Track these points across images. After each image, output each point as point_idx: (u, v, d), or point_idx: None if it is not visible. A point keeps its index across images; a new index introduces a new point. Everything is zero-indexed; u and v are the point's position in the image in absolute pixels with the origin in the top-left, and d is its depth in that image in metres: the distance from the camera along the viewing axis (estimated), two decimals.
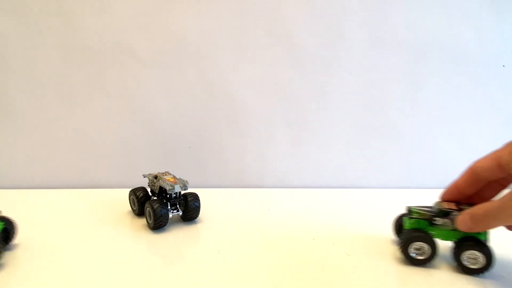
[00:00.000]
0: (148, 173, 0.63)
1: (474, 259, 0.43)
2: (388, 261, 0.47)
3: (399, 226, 0.51)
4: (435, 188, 0.51)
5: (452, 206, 0.45)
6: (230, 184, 0.78)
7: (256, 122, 0.77)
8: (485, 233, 0.44)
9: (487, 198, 0.45)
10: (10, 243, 0.49)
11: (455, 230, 0.44)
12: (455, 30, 0.75)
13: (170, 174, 0.61)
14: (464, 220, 0.42)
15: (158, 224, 0.55)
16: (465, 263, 0.44)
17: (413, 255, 0.45)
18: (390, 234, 0.53)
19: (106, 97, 0.74)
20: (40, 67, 0.72)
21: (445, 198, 0.48)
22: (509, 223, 0.39)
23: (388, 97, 0.78)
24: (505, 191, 0.41)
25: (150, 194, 0.62)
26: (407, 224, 0.47)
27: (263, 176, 0.79)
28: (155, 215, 0.54)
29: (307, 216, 0.62)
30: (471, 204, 0.44)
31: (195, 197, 0.59)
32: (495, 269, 0.44)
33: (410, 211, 0.47)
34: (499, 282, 0.43)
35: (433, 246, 0.45)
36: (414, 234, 0.45)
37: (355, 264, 0.47)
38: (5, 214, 0.49)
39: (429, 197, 0.51)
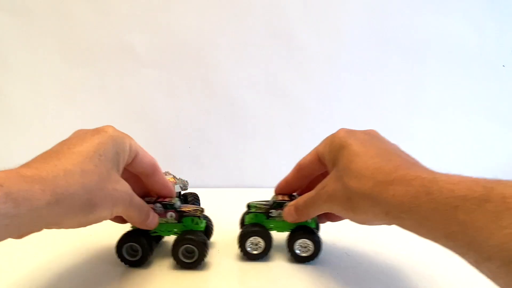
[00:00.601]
0: None
1: (305, 247, 0.45)
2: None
3: (242, 222, 0.51)
4: None
5: (286, 198, 0.47)
6: (230, 184, 0.78)
7: (256, 122, 0.77)
8: (313, 222, 0.46)
9: (294, 186, 0.49)
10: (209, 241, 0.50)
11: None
12: (455, 30, 0.75)
13: (170, 174, 0.61)
14: (289, 212, 0.45)
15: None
16: (297, 251, 0.45)
17: (249, 249, 0.46)
18: None
19: (105, 97, 0.74)
20: (40, 67, 0.72)
21: (278, 192, 0.49)
22: (325, 210, 0.41)
23: (388, 97, 0.78)
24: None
25: None
26: (246, 219, 0.48)
27: (263, 176, 0.79)
28: None
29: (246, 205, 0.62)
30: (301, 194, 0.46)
31: (195, 197, 0.59)
32: (325, 255, 0.46)
33: (249, 206, 0.48)
34: (329, 267, 0.45)
35: (268, 240, 0.46)
36: (249, 229, 0.46)
37: (355, 265, 0.47)
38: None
39: None
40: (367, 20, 0.74)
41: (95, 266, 0.45)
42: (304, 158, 0.47)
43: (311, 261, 0.46)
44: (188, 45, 0.73)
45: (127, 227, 0.46)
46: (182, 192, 0.59)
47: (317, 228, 0.49)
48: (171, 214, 0.45)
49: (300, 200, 0.44)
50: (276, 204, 0.47)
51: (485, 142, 0.79)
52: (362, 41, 0.75)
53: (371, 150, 0.38)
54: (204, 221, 0.47)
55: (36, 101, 0.74)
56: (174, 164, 0.77)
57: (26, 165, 0.32)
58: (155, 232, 0.45)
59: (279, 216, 0.46)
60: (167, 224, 0.45)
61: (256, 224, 0.47)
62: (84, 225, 0.35)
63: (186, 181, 0.58)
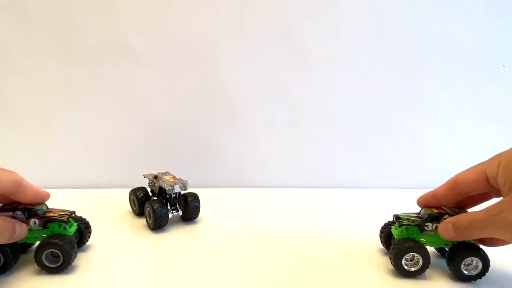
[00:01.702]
0: (148, 173, 0.63)
1: (471, 265, 0.43)
2: (379, 270, 0.45)
3: (386, 235, 0.49)
4: (434, 188, 0.51)
5: (441, 210, 0.44)
6: (230, 184, 0.78)
7: (256, 122, 0.77)
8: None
9: (467, 207, 0.45)
10: (85, 244, 0.50)
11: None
12: (455, 30, 0.75)
13: (170, 174, 0.61)
14: (446, 229, 0.41)
15: (158, 224, 0.55)
16: (463, 270, 0.43)
17: (406, 266, 0.43)
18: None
19: (106, 97, 0.74)
20: (40, 67, 0.72)
21: (423, 205, 0.46)
22: (494, 235, 0.38)
23: (388, 97, 0.78)
24: (488, 203, 0.40)
25: (150, 194, 0.62)
26: (396, 233, 0.45)
27: (263, 176, 0.79)
28: (155, 215, 0.54)
29: (307, 216, 0.61)
30: (454, 208, 0.44)
31: (195, 197, 0.59)
32: (489, 274, 0.43)
33: (398, 218, 0.46)
34: (496, 286, 0.42)
35: (426, 256, 0.43)
36: (406, 244, 0.43)
37: (355, 265, 0.47)
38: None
39: None
40: (367, 20, 0.74)
41: None
42: (464, 174, 0.43)
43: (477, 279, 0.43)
44: (188, 45, 0.73)
45: None
46: (182, 192, 0.59)
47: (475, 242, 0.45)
48: (34, 221, 0.44)
49: (462, 219, 0.40)
50: (432, 218, 0.43)
51: (485, 142, 0.79)
52: (362, 41, 0.75)
53: None
54: (75, 224, 0.46)
55: (36, 101, 0.74)
56: (174, 164, 0.77)
57: None
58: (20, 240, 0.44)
59: (435, 230, 0.43)
60: (32, 231, 0.44)
61: (409, 239, 0.44)
62: None
63: (186, 181, 0.58)
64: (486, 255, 0.42)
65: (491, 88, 0.78)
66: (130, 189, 0.62)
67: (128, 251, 0.50)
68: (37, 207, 0.44)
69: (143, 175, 0.62)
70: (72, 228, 0.45)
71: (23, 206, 0.44)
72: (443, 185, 0.44)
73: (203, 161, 0.78)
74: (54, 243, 0.42)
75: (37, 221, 0.44)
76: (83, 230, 0.49)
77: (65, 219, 0.44)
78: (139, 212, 0.60)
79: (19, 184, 0.42)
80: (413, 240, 0.43)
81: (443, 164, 0.79)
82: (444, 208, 0.45)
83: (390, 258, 0.44)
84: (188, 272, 0.44)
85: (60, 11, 0.70)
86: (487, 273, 0.42)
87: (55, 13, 0.70)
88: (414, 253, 0.43)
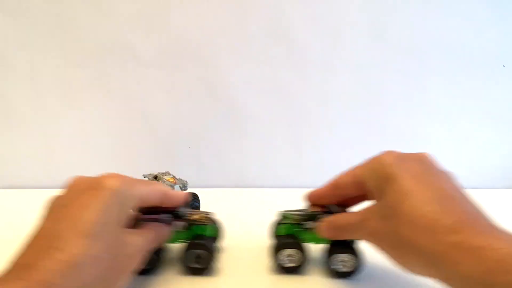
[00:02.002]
0: (148, 173, 0.63)
1: (344, 261, 0.43)
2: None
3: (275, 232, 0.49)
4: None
5: (318, 209, 0.44)
6: (230, 184, 0.78)
7: (256, 122, 0.77)
8: None
9: (350, 205, 0.45)
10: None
11: None
12: (455, 30, 0.75)
13: (170, 174, 0.61)
14: (324, 228, 0.41)
15: None
16: (338, 266, 0.43)
17: (283, 262, 0.44)
18: None
19: (106, 97, 0.74)
20: (40, 67, 0.72)
21: (312, 202, 0.46)
22: (361, 239, 0.38)
23: (388, 97, 0.78)
24: (366, 203, 0.40)
25: None
26: (280, 230, 0.46)
27: (263, 176, 0.79)
28: None
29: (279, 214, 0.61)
30: (337, 206, 0.44)
31: (195, 197, 0.59)
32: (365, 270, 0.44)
33: (283, 216, 0.46)
34: (371, 283, 0.43)
35: (303, 252, 0.43)
36: (284, 240, 0.44)
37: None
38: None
39: None
40: (367, 20, 0.74)
41: None
42: (341, 176, 0.43)
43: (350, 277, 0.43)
44: (188, 45, 0.73)
45: None
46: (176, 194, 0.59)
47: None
48: (178, 223, 0.44)
49: (338, 220, 0.40)
50: (310, 216, 0.44)
51: (485, 142, 0.79)
52: (362, 41, 0.75)
53: (426, 191, 0.32)
54: (215, 226, 0.47)
55: (36, 102, 0.74)
56: (174, 164, 0.77)
57: (23, 261, 0.27)
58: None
59: (315, 227, 0.44)
60: (176, 232, 0.44)
61: (290, 235, 0.45)
62: None
63: (186, 181, 0.58)
64: (360, 252, 0.42)
65: (491, 88, 0.78)
66: None
67: None
68: (180, 209, 0.44)
69: (143, 175, 0.62)
70: (213, 230, 0.46)
71: (166, 209, 0.43)
72: (326, 185, 0.44)
73: (203, 161, 0.78)
74: (201, 244, 0.42)
75: (180, 223, 0.44)
76: (220, 231, 0.49)
77: (207, 221, 0.44)
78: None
79: (163, 199, 0.40)
80: (292, 236, 0.44)
81: (443, 164, 0.79)
82: (326, 206, 0.45)
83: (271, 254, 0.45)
84: (197, 278, 0.44)
85: (61, 11, 0.70)
86: (361, 270, 0.43)
87: (55, 13, 0.70)
88: (291, 249, 0.43)
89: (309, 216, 0.44)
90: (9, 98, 0.73)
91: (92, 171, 0.77)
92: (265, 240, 0.49)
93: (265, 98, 0.76)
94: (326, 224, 0.41)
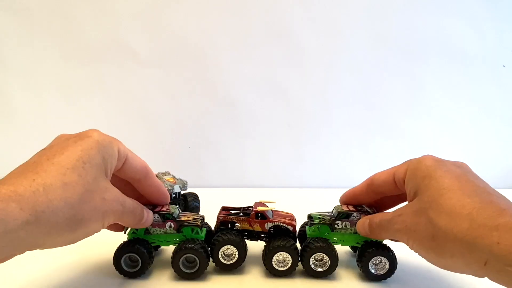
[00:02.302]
0: None
1: (379, 264, 0.42)
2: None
3: (302, 234, 0.48)
4: None
5: (352, 208, 0.44)
6: (230, 184, 0.78)
7: (256, 122, 0.77)
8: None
9: (386, 207, 0.45)
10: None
11: (356, 233, 0.43)
12: (455, 30, 0.75)
13: (170, 174, 0.61)
14: (363, 225, 0.41)
15: None
16: (371, 269, 0.42)
17: (313, 266, 0.43)
18: None
19: (105, 97, 0.74)
20: (40, 67, 0.72)
21: (343, 202, 0.46)
22: (399, 240, 0.37)
23: (388, 97, 0.78)
24: (401, 204, 0.40)
25: None
26: (309, 232, 0.45)
27: (263, 176, 0.79)
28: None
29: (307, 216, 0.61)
30: (371, 207, 0.44)
31: (195, 197, 0.59)
32: (397, 273, 0.43)
33: (311, 217, 0.45)
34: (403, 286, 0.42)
35: (334, 257, 0.42)
36: (316, 244, 0.42)
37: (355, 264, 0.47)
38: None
39: None
40: (367, 21, 0.74)
41: (91, 278, 0.43)
42: (378, 174, 0.43)
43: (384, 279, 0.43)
44: (188, 45, 0.73)
45: (124, 236, 0.44)
46: (182, 192, 0.59)
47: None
48: (170, 225, 0.43)
49: (376, 217, 0.40)
50: (342, 216, 0.43)
51: (485, 142, 0.79)
52: (362, 42, 0.75)
53: (467, 186, 0.33)
54: (205, 229, 0.45)
55: (36, 101, 0.74)
56: (174, 164, 0.77)
57: (2, 181, 0.29)
58: (153, 242, 0.44)
59: (345, 227, 0.43)
60: (166, 235, 0.43)
61: (320, 238, 0.43)
62: (72, 242, 0.33)
63: (186, 181, 0.58)
64: (394, 255, 0.42)
65: (491, 88, 0.78)
66: None
67: None
68: (172, 211, 0.43)
69: None
70: (203, 233, 0.44)
71: (159, 210, 0.43)
72: (362, 183, 0.44)
73: (203, 161, 0.78)
74: (191, 248, 0.41)
75: (172, 224, 0.43)
76: (210, 235, 0.47)
77: (199, 224, 0.43)
78: None
79: (147, 172, 0.41)
80: (323, 240, 0.43)
81: None
82: (362, 206, 0.45)
83: (299, 259, 0.43)
84: (188, 283, 0.44)
85: (60, 11, 0.70)
86: (394, 273, 0.42)
87: (55, 13, 0.70)
88: (322, 254, 0.42)
89: (339, 216, 0.43)
90: (9, 97, 0.73)
91: None
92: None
93: (265, 98, 0.76)
94: (367, 221, 0.41)
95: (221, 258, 0.43)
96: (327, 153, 0.79)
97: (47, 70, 0.73)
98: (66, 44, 0.72)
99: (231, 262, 0.43)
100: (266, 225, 0.44)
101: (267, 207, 0.46)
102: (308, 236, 0.45)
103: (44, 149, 0.35)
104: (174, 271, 0.42)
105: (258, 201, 0.47)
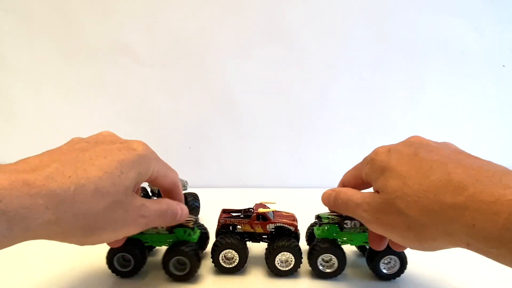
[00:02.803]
0: None
1: (389, 263, 0.42)
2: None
3: (310, 236, 0.49)
4: None
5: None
6: (230, 184, 0.78)
7: (256, 122, 0.77)
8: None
9: None
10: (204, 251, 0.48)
11: (365, 232, 0.43)
12: (455, 30, 0.75)
13: None
14: (328, 196, 0.41)
15: None
16: (382, 268, 0.42)
17: (321, 267, 0.43)
18: None
19: (106, 97, 0.74)
20: (40, 67, 0.72)
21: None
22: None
23: (388, 97, 0.78)
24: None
25: (150, 194, 0.62)
26: (318, 232, 0.45)
27: (263, 176, 0.79)
28: None
29: (307, 216, 0.61)
30: None
31: (195, 197, 0.59)
32: (406, 273, 0.43)
33: (319, 218, 0.45)
34: (413, 286, 0.42)
35: (342, 258, 0.43)
36: (322, 245, 0.42)
37: (358, 264, 0.47)
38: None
39: None
40: (367, 21, 0.74)
41: (84, 277, 0.43)
42: (345, 174, 0.43)
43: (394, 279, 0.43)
44: (188, 45, 0.73)
45: None
46: (182, 192, 0.59)
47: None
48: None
49: (342, 194, 0.39)
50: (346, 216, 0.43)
51: (485, 142, 0.79)
52: (362, 41, 0.75)
53: (422, 165, 0.32)
54: (198, 231, 0.45)
55: (36, 101, 0.74)
56: (174, 164, 0.76)
57: (39, 165, 0.28)
58: (146, 242, 0.43)
59: (354, 227, 0.43)
60: (159, 235, 0.43)
61: (328, 239, 0.43)
62: (85, 245, 0.32)
63: (186, 181, 0.58)
64: (404, 254, 0.42)
65: (491, 88, 0.78)
66: None
67: None
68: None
69: None
70: (196, 235, 0.44)
71: None
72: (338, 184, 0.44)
73: (203, 161, 0.78)
74: (182, 250, 0.41)
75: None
76: (204, 237, 0.47)
77: (191, 225, 0.42)
78: None
79: (174, 188, 0.41)
80: (331, 240, 0.43)
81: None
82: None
83: (308, 260, 0.43)
84: (182, 285, 0.44)
85: (61, 11, 0.70)
86: (404, 272, 0.42)
87: (55, 13, 0.70)
88: (330, 255, 0.42)
89: (347, 216, 0.43)
90: (9, 97, 0.73)
91: None
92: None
93: (265, 98, 0.76)
94: (333, 194, 0.40)
95: (221, 262, 0.43)
96: (327, 153, 0.79)
97: (47, 70, 0.73)
98: (66, 44, 0.72)
99: (232, 265, 0.43)
100: (267, 226, 0.44)
101: (268, 208, 0.46)
102: (316, 236, 0.45)
103: (87, 142, 0.34)
104: (165, 272, 0.42)
105: (258, 202, 0.47)
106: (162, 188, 0.41)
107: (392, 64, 0.76)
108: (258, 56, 0.74)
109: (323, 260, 0.43)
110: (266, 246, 0.44)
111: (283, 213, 0.47)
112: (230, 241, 0.43)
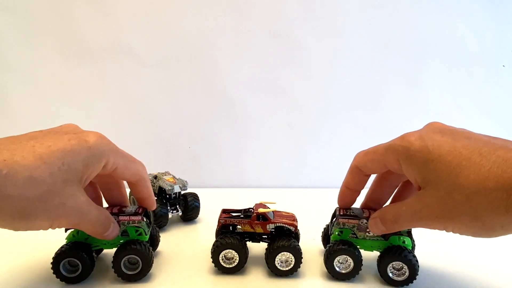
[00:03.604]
0: (148, 173, 0.62)
1: (399, 270, 0.41)
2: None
3: (325, 236, 0.49)
4: None
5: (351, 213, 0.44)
6: (230, 184, 0.78)
7: (256, 122, 0.77)
8: (409, 242, 0.42)
9: (383, 197, 0.44)
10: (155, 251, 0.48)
11: (377, 239, 0.42)
12: (455, 30, 0.75)
13: (170, 174, 0.61)
14: (375, 223, 0.40)
15: (158, 224, 0.55)
16: (390, 274, 0.41)
17: (338, 269, 0.43)
18: None
19: (106, 97, 0.74)
20: (40, 67, 0.72)
21: (342, 205, 0.45)
22: (418, 227, 0.36)
23: (388, 97, 0.78)
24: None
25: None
26: (333, 235, 0.44)
27: (263, 176, 0.79)
28: (154, 215, 0.54)
29: (307, 216, 0.61)
30: (364, 209, 0.44)
31: (195, 197, 0.59)
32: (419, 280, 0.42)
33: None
34: None
35: (357, 259, 0.42)
36: (338, 246, 0.42)
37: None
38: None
39: None
40: (367, 21, 0.74)
41: (28, 283, 0.41)
42: (361, 159, 0.42)
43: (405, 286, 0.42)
44: (188, 45, 0.73)
45: (64, 238, 0.42)
46: (182, 192, 0.59)
47: (413, 247, 0.44)
48: None
49: (387, 213, 0.39)
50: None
51: None
52: (362, 41, 0.75)
53: (468, 152, 0.31)
54: (149, 229, 0.44)
55: (36, 101, 0.74)
56: (174, 164, 0.77)
57: None
58: (97, 245, 0.42)
59: (366, 233, 0.42)
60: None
61: (344, 241, 0.43)
62: (18, 230, 0.32)
63: (186, 181, 0.58)
64: (415, 261, 0.41)
65: (491, 88, 0.78)
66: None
67: None
68: (125, 209, 0.42)
69: None
70: (148, 234, 0.43)
71: (110, 210, 0.42)
72: (348, 173, 0.44)
73: (203, 161, 0.78)
74: (133, 248, 0.40)
75: None
76: (155, 236, 0.47)
77: (142, 225, 0.42)
78: None
79: (139, 180, 0.41)
80: (347, 242, 0.43)
81: None
82: (350, 209, 0.44)
83: (324, 260, 0.43)
84: (188, 272, 0.44)
85: (60, 11, 0.70)
86: (415, 281, 0.41)
87: (55, 13, 0.70)
88: (346, 256, 0.42)
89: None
90: (9, 97, 0.73)
91: None
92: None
93: (265, 98, 0.76)
94: (377, 219, 0.40)
95: (221, 262, 0.43)
96: (327, 153, 0.79)
97: (47, 70, 0.73)
98: (66, 43, 0.72)
99: (232, 265, 0.43)
100: (267, 226, 0.44)
101: (268, 208, 0.46)
102: (332, 239, 0.44)
103: (41, 131, 0.35)
104: (115, 271, 0.40)
105: (258, 202, 0.47)
106: (127, 181, 0.41)
107: (392, 64, 0.76)
108: (258, 56, 0.74)
109: (338, 261, 0.43)
110: (266, 246, 0.44)
111: (283, 213, 0.47)
112: (230, 241, 0.43)
